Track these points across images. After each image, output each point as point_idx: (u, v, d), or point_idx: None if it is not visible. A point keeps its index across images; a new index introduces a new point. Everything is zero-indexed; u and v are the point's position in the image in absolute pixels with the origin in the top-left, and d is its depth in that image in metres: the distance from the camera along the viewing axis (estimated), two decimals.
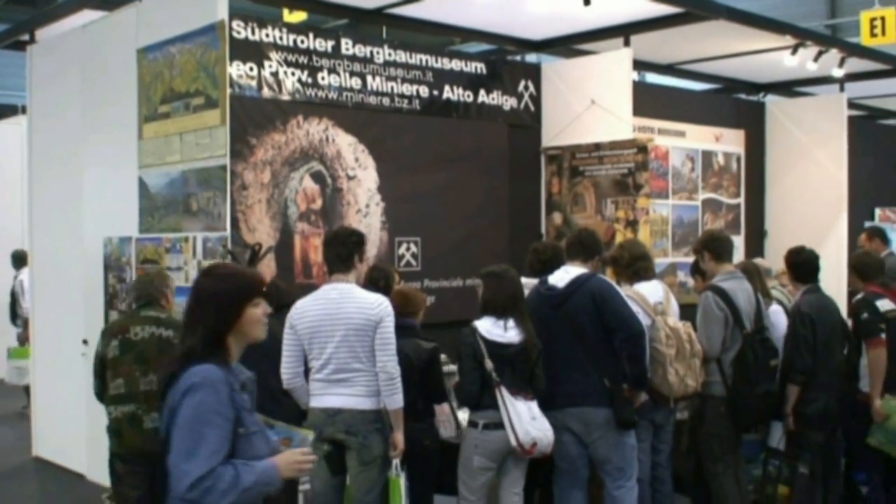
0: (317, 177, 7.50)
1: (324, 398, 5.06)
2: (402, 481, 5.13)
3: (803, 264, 6.40)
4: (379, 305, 5.10)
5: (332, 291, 5.17)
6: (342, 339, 5.03)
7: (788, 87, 11.97)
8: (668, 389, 5.66)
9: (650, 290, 5.93)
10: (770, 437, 6.33)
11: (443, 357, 6.78)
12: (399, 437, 5.10)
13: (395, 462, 5.12)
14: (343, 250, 5.22)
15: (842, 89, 11.13)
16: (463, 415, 6.02)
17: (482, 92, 8.62)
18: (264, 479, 3.10)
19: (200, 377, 3.10)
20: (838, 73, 10.29)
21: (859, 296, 6.53)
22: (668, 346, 5.63)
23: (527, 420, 5.18)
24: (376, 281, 5.74)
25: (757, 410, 5.97)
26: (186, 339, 3.22)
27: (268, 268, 7.03)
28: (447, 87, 8.36)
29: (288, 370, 5.18)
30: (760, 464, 6.40)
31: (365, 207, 7.80)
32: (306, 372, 5.20)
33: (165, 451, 3.11)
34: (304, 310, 5.21)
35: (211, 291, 3.26)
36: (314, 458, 3.33)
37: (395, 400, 5.03)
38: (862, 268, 6.66)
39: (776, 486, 6.27)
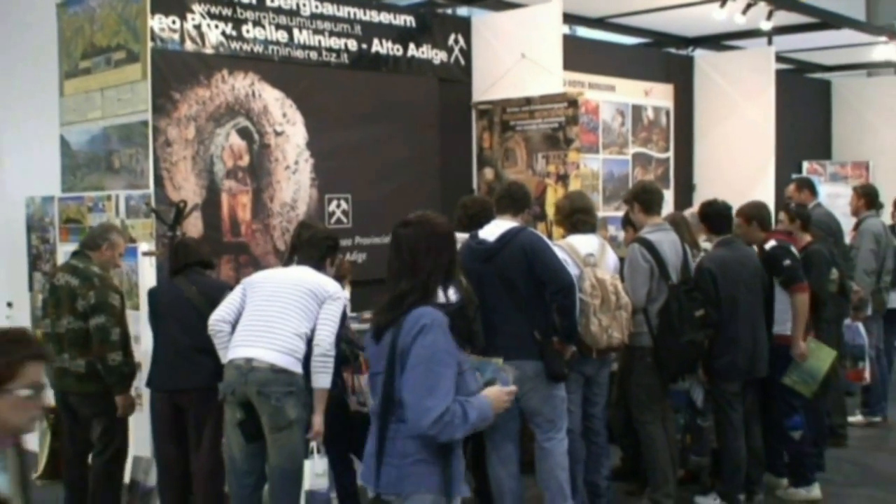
0: (243, 133, 7.36)
1: (241, 349, 4.94)
2: (316, 465, 4.95)
3: (715, 216, 6.42)
4: (335, 286, 5.13)
5: (295, 267, 5.22)
6: (282, 295, 4.97)
7: (717, 42, 12.04)
8: (591, 340, 5.67)
9: (584, 242, 5.92)
10: (691, 388, 6.41)
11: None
12: (318, 420, 4.97)
13: (313, 445, 4.98)
14: (315, 252, 5.22)
15: (770, 43, 11.23)
16: None
17: (412, 46, 8.52)
18: (482, 415, 3.36)
19: (430, 319, 3.33)
20: (766, 25, 10.35)
21: (772, 244, 6.60)
22: (593, 296, 5.63)
23: None
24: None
25: (682, 360, 6.01)
26: (400, 284, 3.40)
27: (194, 226, 6.92)
28: (376, 41, 8.25)
29: (217, 314, 5.09)
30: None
31: (294, 164, 7.69)
32: None
33: (391, 390, 3.29)
34: (261, 272, 5.32)
35: (423, 239, 3.46)
36: (515, 390, 3.61)
37: (324, 379, 4.94)
38: (763, 218, 6.73)
39: (686, 434, 6.42)
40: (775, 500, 6.58)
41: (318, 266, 5.21)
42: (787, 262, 6.48)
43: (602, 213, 9.92)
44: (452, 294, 5.19)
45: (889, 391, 8.65)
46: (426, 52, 8.64)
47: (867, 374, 8.15)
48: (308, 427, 4.95)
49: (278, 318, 4.94)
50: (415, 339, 3.29)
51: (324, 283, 5.08)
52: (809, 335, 6.57)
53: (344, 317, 5.23)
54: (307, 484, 4.95)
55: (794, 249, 6.64)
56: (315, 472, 4.97)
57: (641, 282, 5.93)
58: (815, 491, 6.58)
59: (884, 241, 8.52)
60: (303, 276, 5.08)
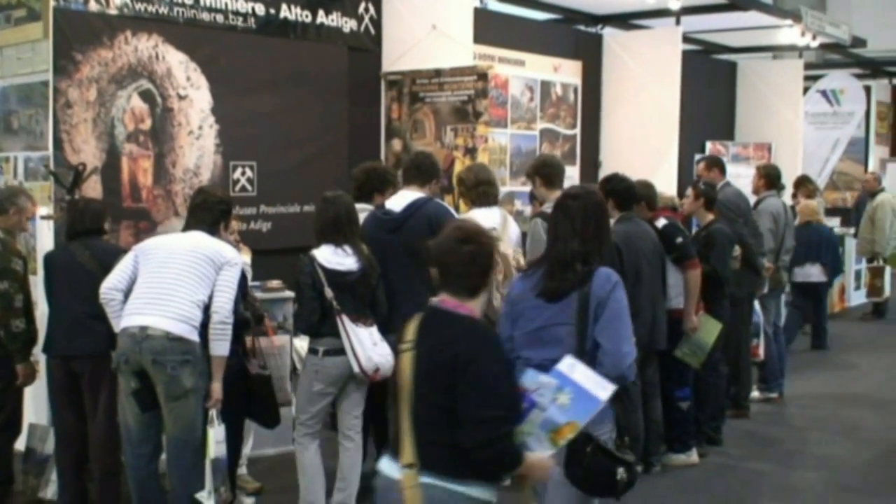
0: (146, 95, 7.18)
1: (135, 317, 4.80)
2: (217, 433, 4.89)
3: (622, 193, 6.44)
4: (232, 251, 5.03)
5: (189, 233, 5.09)
6: (177, 262, 4.85)
7: (626, 20, 12.14)
8: (493, 313, 5.67)
9: (487, 216, 5.92)
10: None
11: (278, 283, 6.70)
12: (217, 387, 4.89)
13: (212, 413, 4.90)
14: (209, 217, 5.08)
15: (678, 23, 11.34)
16: (301, 342, 5.95)
17: (321, 13, 8.39)
18: None
19: (616, 277, 3.86)
20: (675, 5, 10.47)
21: (663, 222, 6.72)
22: (496, 271, 5.62)
23: (369, 346, 5.14)
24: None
25: None
26: (570, 247, 3.85)
27: (93, 190, 6.73)
28: (284, 6, 8.10)
29: (109, 282, 4.94)
30: None
31: (198, 129, 7.53)
32: None
33: (583, 339, 3.71)
34: (154, 238, 5.19)
35: (591, 208, 3.95)
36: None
37: (222, 346, 4.84)
38: (651, 197, 6.85)
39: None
40: (673, 471, 6.71)
41: (212, 230, 5.09)
42: (680, 239, 6.64)
43: (509, 187, 9.98)
44: (354, 263, 5.19)
45: (787, 367, 8.87)
46: (336, 20, 8.53)
47: (761, 351, 8.41)
48: (206, 395, 4.87)
49: (174, 285, 4.82)
50: (609, 294, 3.77)
51: (221, 248, 4.97)
52: (700, 309, 6.79)
53: (244, 282, 5.14)
54: (212, 453, 4.87)
55: (682, 226, 6.85)
56: (216, 439, 4.90)
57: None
58: (694, 456, 6.82)
59: (782, 221, 8.72)
60: (198, 242, 4.96)
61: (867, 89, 17.00)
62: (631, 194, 6.46)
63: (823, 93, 15.91)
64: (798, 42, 13.01)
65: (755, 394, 8.59)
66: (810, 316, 11.03)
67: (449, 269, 3.31)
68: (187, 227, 5.19)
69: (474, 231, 3.43)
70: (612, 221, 6.39)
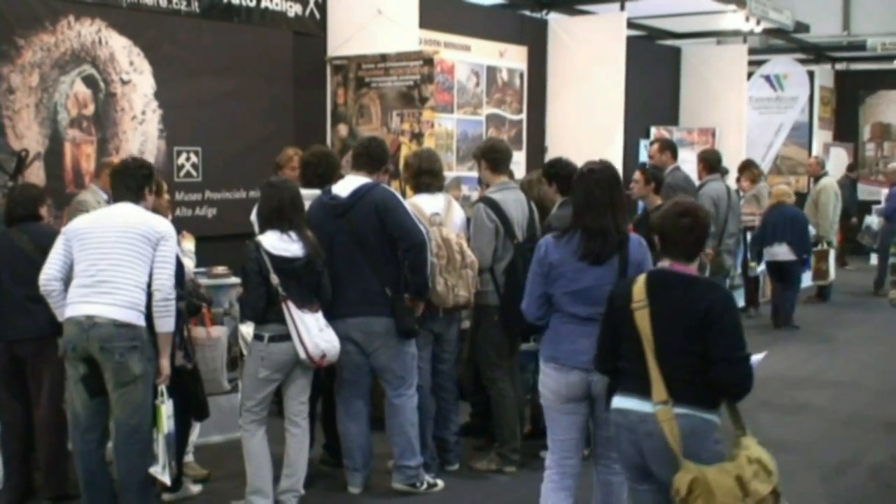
0: (89, 81, 7.12)
1: (80, 306, 4.75)
2: (167, 408, 4.91)
3: (566, 177, 6.43)
4: (164, 224, 4.93)
5: (116, 209, 4.96)
6: (114, 246, 4.78)
7: (570, 5, 12.20)
8: (437, 299, 5.69)
9: (431, 202, 5.93)
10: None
11: (223, 269, 6.67)
12: (165, 363, 4.88)
13: (161, 388, 4.89)
14: (132, 182, 4.99)
15: (622, 9, 11.42)
16: (248, 328, 5.94)
17: None
18: None
19: (644, 242, 4.48)
20: None
21: None
22: (438, 256, 5.64)
23: (315, 332, 5.13)
24: None
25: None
26: (605, 218, 4.39)
27: (36, 176, 6.66)
28: None
29: (46, 272, 4.86)
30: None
31: (141, 114, 7.48)
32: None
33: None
34: (82, 219, 5.00)
35: (614, 179, 4.51)
36: None
37: (167, 323, 4.81)
38: None
39: (536, 391, 6.51)
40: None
41: (138, 198, 5.00)
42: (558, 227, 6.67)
43: (456, 172, 9.99)
44: (300, 249, 5.18)
45: None
46: (280, 4, 8.48)
47: None
48: (156, 372, 4.86)
49: (116, 270, 4.76)
50: (643, 256, 4.42)
51: (152, 223, 4.89)
52: None
53: (180, 271, 5.08)
54: (164, 428, 4.89)
55: None
56: (167, 414, 4.92)
57: (487, 241, 5.94)
58: None
59: (723, 205, 8.83)
60: (129, 221, 4.85)
61: (810, 74, 17.22)
62: (568, 180, 6.47)
63: (767, 78, 16.10)
64: (742, 27, 13.15)
65: None
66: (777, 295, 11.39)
67: (670, 239, 3.86)
68: (114, 199, 5.10)
69: (692, 206, 3.96)
70: (555, 206, 6.47)
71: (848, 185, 15.31)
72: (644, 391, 3.69)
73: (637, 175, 7.40)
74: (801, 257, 11.11)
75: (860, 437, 7.21)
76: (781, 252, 10.87)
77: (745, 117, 13.99)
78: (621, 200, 4.52)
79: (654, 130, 13.47)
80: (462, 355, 6.50)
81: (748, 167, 11.32)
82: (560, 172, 6.27)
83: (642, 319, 3.74)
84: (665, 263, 3.87)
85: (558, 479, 4.63)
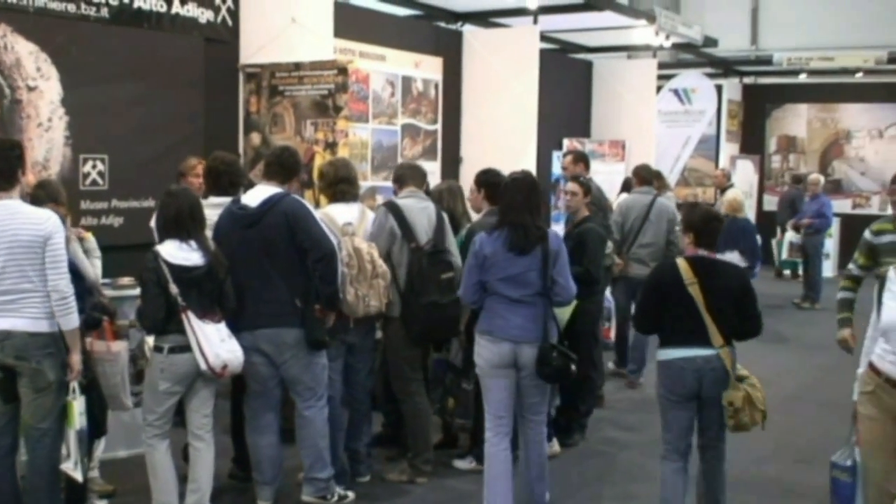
0: None
1: None
2: (79, 404, 4.88)
3: (496, 185, 6.52)
4: (48, 220, 4.75)
5: None
6: (9, 258, 4.66)
7: (485, 18, 12.28)
8: (347, 309, 5.67)
9: (345, 211, 5.91)
10: (451, 352, 6.53)
11: (129, 280, 6.54)
12: (75, 359, 4.83)
13: (73, 384, 4.85)
14: (5, 165, 4.82)
15: (535, 22, 11.54)
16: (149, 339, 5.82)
17: (177, 2, 8.22)
18: None
19: (561, 236, 5.63)
20: (532, 4, 10.66)
21: None
22: (349, 266, 5.61)
23: (216, 343, 5.05)
24: (42, 200, 5.31)
25: (427, 322, 6.01)
26: (525, 216, 5.28)
27: None
28: None
29: None
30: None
31: (47, 121, 7.30)
32: None
33: (546, 277, 5.29)
34: None
35: (535, 184, 5.50)
36: None
37: (70, 320, 4.74)
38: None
39: (447, 398, 6.53)
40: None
41: (11, 183, 4.78)
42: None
43: (371, 181, 9.97)
44: (200, 258, 5.10)
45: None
46: (192, 10, 8.36)
47: (612, 334, 9.26)
48: (68, 368, 4.80)
49: (18, 284, 4.67)
50: (559, 248, 5.35)
51: (35, 220, 4.73)
52: None
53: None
54: (76, 424, 4.85)
55: None
56: (79, 410, 4.88)
57: (381, 242, 5.96)
58: (555, 447, 6.86)
59: (633, 216, 9.07)
60: (12, 225, 4.69)
61: (718, 88, 17.57)
62: (495, 188, 6.52)
63: (675, 92, 16.38)
64: (652, 42, 13.39)
65: (609, 365, 9.15)
66: None
67: (705, 235, 5.21)
68: None
69: (717, 212, 5.64)
70: (480, 214, 6.52)
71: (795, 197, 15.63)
72: (704, 341, 5.05)
73: (575, 187, 7.34)
74: (752, 264, 11.43)
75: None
76: (734, 259, 11.11)
77: (654, 130, 14.24)
78: (538, 203, 5.40)
79: (566, 142, 13.62)
80: (376, 365, 6.48)
81: (655, 179, 11.52)
82: (490, 181, 6.41)
83: (696, 293, 5.06)
84: (700, 252, 5.20)
85: (497, 440, 5.40)
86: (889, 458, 4.47)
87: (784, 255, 14.82)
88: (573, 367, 5.37)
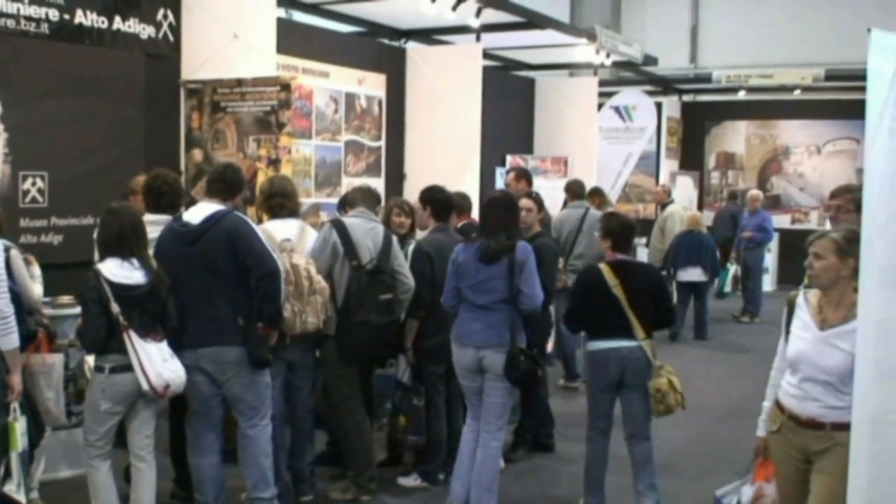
0: None
1: None
2: (21, 425, 4.84)
3: (441, 203, 6.59)
4: None
5: None
6: None
7: (428, 35, 12.34)
8: (284, 325, 5.66)
9: (283, 227, 5.90)
10: (398, 370, 6.54)
11: (69, 298, 6.47)
12: (16, 379, 4.76)
13: (14, 405, 4.79)
14: None
15: (478, 39, 11.61)
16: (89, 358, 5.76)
17: (117, 18, 8.17)
18: None
19: (530, 248, 5.79)
20: (475, 23, 10.72)
21: (462, 223, 7.10)
22: (286, 282, 5.59)
23: (158, 362, 5.01)
24: None
25: (358, 341, 6.02)
26: (498, 233, 5.68)
27: None
28: (80, 12, 7.85)
29: None
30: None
31: None
32: None
33: (513, 286, 5.62)
34: None
35: (511, 203, 6.01)
36: None
37: (10, 340, 4.69)
38: (461, 204, 7.20)
39: (398, 416, 6.54)
40: None
41: None
42: (475, 235, 6.81)
43: (314, 198, 9.96)
44: (142, 276, 5.06)
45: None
46: (133, 26, 8.31)
47: (550, 346, 9.23)
48: (8, 389, 4.75)
49: None
50: (526, 258, 5.65)
51: None
52: None
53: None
54: (18, 446, 4.82)
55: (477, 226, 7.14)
56: (20, 431, 4.87)
57: (322, 259, 5.97)
58: (501, 462, 6.88)
59: (568, 229, 9.53)
60: None
61: (658, 105, 17.77)
62: (448, 205, 6.61)
63: (616, 109, 16.57)
64: (593, 60, 13.52)
65: (560, 381, 9.41)
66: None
67: (622, 240, 5.93)
68: None
69: (632, 220, 6.23)
70: (427, 231, 6.56)
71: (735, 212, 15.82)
72: (628, 335, 5.71)
73: (530, 203, 7.43)
74: (711, 279, 12.58)
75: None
76: (696, 273, 12.21)
77: (596, 147, 14.40)
78: (514, 219, 5.93)
79: (509, 158, 13.71)
80: (318, 384, 6.47)
81: (595, 194, 11.67)
82: (435, 198, 6.54)
83: (620, 293, 5.71)
84: (618, 256, 5.88)
85: (472, 435, 5.87)
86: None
87: (727, 288, 15.09)
88: (540, 371, 5.82)
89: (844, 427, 3.94)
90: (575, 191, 10.19)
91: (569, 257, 9.29)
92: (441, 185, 6.76)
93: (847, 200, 5.38)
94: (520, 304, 5.63)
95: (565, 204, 10.51)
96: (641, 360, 5.74)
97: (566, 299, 9.08)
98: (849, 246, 4.08)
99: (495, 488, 5.82)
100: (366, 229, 6.12)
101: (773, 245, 17.97)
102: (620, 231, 5.95)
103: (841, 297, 4.17)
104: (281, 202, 6.00)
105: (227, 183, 5.58)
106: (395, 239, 6.30)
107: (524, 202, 7.46)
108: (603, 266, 5.85)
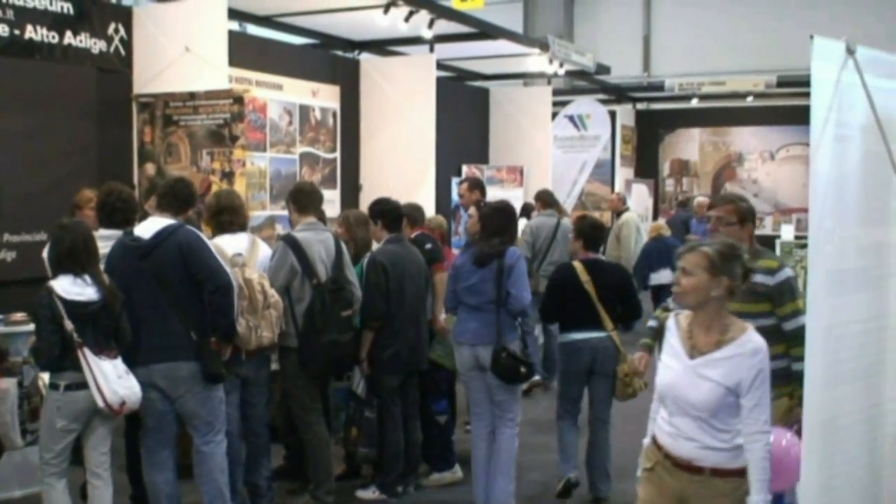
0: None
1: None
2: None
3: (390, 213, 6.63)
4: None
5: None
6: None
7: (382, 46, 12.35)
8: (239, 340, 5.63)
9: (233, 242, 5.88)
10: (353, 381, 6.54)
11: (22, 316, 6.40)
12: None
13: None
14: None
15: (431, 50, 11.64)
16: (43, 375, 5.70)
17: (69, 33, 8.11)
18: None
19: (519, 252, 6.13)
20: (428, 34, 10.75)
21: (416, 233, 7.16)
22: (240, 297, 5.57)
23: (114, 379, 4.97)
24: None
25: (325, 359, 6.06)
26: (493, 239, 6.02)
27: None
28: (30, 27, 7.79)
29: None
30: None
31: None
32: None
33: (501, 288, 5.93)
34: None
35: (508, 212, 6.23)
36: None
37: None
38: (413, 216, 7.19)
39: (350, 427, 6.54)
40: (426, 489, 6.85)
41: None
42: (429, 245, 7.05)
43: (269, 211, 9.93)
44: (95, 292, 5.02)
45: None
46: (84, 41, 8.25)
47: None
48: None
49: None
50: (515, 262, 5.96)
51: None
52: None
53: None
54: None
55: (433, 237, 7.34)
56: None
57: (282, 278, 5.97)
58: (458, 472, 6.96)
59: (544, 236, 9.73)
60: None
61: (612, 114, 17.90)
62: (397, 215, 6.63)
63: (571, 118, 16.68)
64: (546, 69, 13.60)
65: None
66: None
67: (592, 240, 6.55)
68: None
69: (600, 221, 6.88)
70: (381, 242, 6.57)
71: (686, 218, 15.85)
72: (597, 326, 6.31)
73: (472, 211, 7.50)
74: None
75: None
76: (666, 276, 12.31)
77: (551, 155, 14.47)
78: (510, 226, 6.20)
79: (465, 168, 13.74)
80: (274, 397, 6.44)
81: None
82: (384, 209, 6.60)
83: (591, 288, 6.31)
84: (589, 255, 6.50)
85: (478, 431, 6.18)
86: None
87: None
88: (523, 369, 5.97)
89: (728, 474, 3.63)
90: (546, 199, 10.50)
91: (542, 262, 9.55)
92: (387, 196, 6.80)
93: (729, 211, 4.97)
94: (508, 306, 5.92)
95: (524, 213, 10.66)
96: (610, 349, 6.34)
97: (538, 302, 9.29)
98: (723, 262, 3.71)
99: (512, 472, 6.17)
100: (317, 241, 6.12)
101: None
102: (591, 231, 6.60)
103: (713, 321, 3.75)
104: (229, 218, 5.97)
105: (177, 197, 5.56)
106: (344, 247, 6.30)
107: (471, 211, 7.53)
108: (576, 264, 6.50)
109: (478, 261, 6.04)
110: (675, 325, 3.89)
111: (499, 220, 6.14)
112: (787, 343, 4.77)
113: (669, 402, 3.77)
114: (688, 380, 3.70)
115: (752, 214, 5.02)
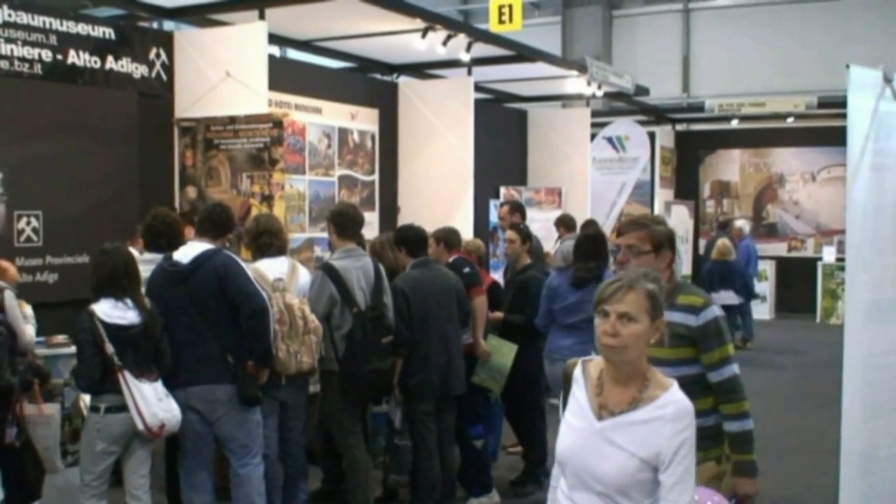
0: None
1: None
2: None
3: (412, 240, 6.63)
4: None
5: None
6: None
7: (420, 69, 12.42)
8: (279, 365, 5.66)
9: (273, 266, 5.92)
10: (390, 409, 6.54)
11: (63, 338, 6.48)
12: None
13: None
14: None
15: (469, 73, 11.69)
16: (84, 397, 5.78)
17: (110, 58, 8.24)
18: None
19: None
20: (465, 57, 10.80)
21: (453, 257, 7.06)
22: (281, 322, 5.61)
23: (153, 402, 5.03)
24: None
25: (366, 387, 6.07)
26: (590, 262, 6.65)
27: None
28: (72, 52, 7.93)
29: None
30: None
31: None
32: None
33: None
34: None
35: (601, 239, 6.97)
36: None
37: None
38: (449, 239, 7.12)
39: (386, 454, 6.56)
40: None
41: None
42: (466, 269, 6.98)
43: (308, 233, 9.98)
44: (136, 316, 5.08)
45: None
46: (126, 66, 8.38)
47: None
48: None
49: None
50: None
51: None
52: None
53: (13, 341, 4.94)
54: None
55: (471, 261, 7.22)
56: None
57: (322, 307, 5.98)
58: (496, 497, 6.90)
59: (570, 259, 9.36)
60: None
61: (651, 135, 17.83)
62: (419, 240, 6.62)
63: (609, 139, 16.64)
64: (584, 91, 13.60)
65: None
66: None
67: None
68: None
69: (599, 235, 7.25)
70: (408, 267, 6.57)
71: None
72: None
73: (513, 235, 7.53)
74: (747, 299, 13.77)
75: None
76: (730, 297, 13.15)
77: (589, 177, 14.45)
78: (601, 251, 6.79)
79: (503, 190, 13.76)
80: (312, 420, 6.46)
81: (590, 226, 11.80)
82: (405, 235, 6.55)
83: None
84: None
85: None
86: None
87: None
88: None
89: None
90: (568, 223, 10.36)
91: None
92: (410, 223, 6.88)
93: (641, 238, 4.08)
94: None
95: (560, 237, 10.61)
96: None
97: None
98: (660, 303, 3.01)
99: None
100: (355, 268, 6.12)
101: (770, 273, 18.03)
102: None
103: (632, 373, 2.97)
104: (269, 241, 6.03)
105: (215, 222, 5.62)
106: (383, 272, 6.31)
107: (508, 234, 7.56)
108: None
109: (576, 283, 6.61)
110: (583, 375, 3.12)
111: (593, 246, 6.73)
112: (714, 396, 3.91)
113: (569, 473, 2.98)
114: (593, 446, 2.92)
115: (669, 239, 4.10)
